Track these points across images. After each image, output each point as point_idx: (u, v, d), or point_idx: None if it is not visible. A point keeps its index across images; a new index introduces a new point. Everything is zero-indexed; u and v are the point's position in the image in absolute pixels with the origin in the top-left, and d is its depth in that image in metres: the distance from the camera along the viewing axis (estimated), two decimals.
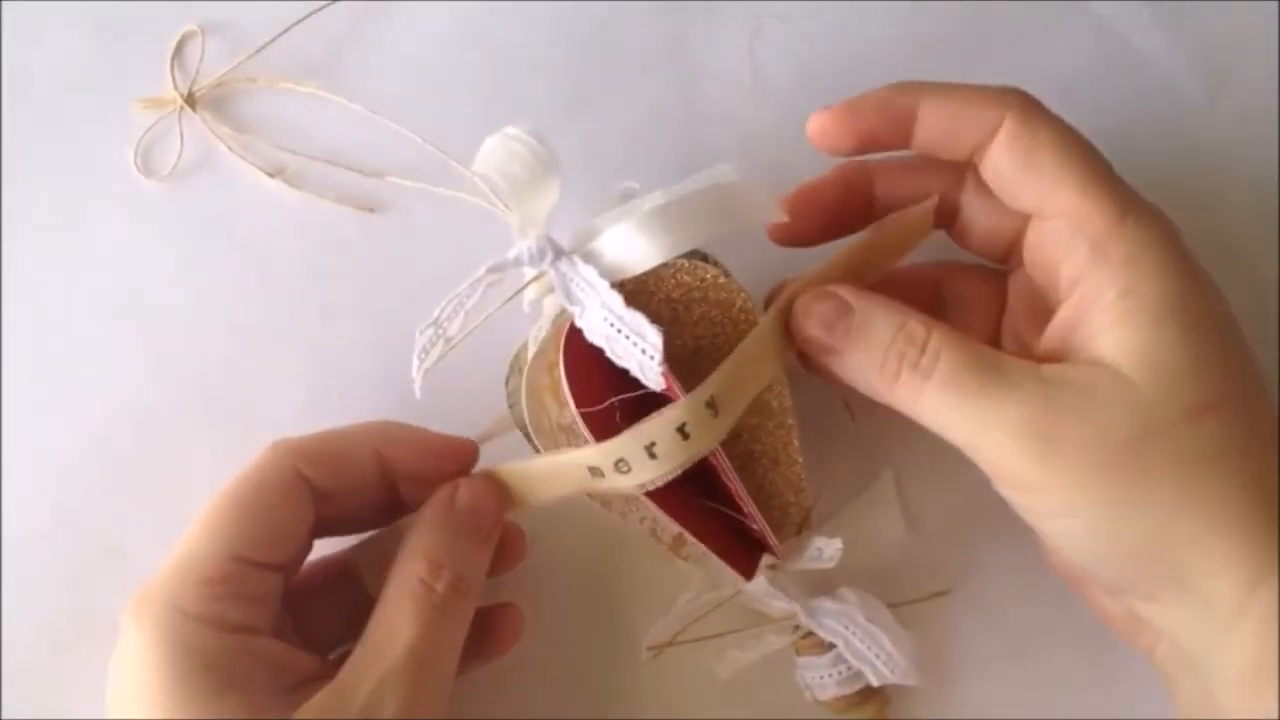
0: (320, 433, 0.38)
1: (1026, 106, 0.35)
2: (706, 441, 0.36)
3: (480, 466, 0.39)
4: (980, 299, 0.41)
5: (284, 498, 0.36)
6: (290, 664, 0.34)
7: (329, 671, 0.34)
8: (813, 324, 0.36)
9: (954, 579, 0.45)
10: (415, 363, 0.38)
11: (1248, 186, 0.48)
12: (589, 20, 0.48)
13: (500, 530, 0.38)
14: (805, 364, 0.39)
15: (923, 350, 0.34)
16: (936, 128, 0.36)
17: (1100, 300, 0.34)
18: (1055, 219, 0.35)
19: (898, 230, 0.39)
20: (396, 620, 0.34)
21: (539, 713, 0.43)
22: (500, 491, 0.38)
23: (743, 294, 0.40)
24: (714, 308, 0.41)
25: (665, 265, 0.38)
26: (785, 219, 0.39)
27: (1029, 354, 0.36)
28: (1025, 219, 0.37)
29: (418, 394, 0.39)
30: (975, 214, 0.39)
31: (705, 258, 0.41)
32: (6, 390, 0.45)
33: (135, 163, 0.47)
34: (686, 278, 0.40)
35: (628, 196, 0.42)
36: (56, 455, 0.45)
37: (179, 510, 0.44)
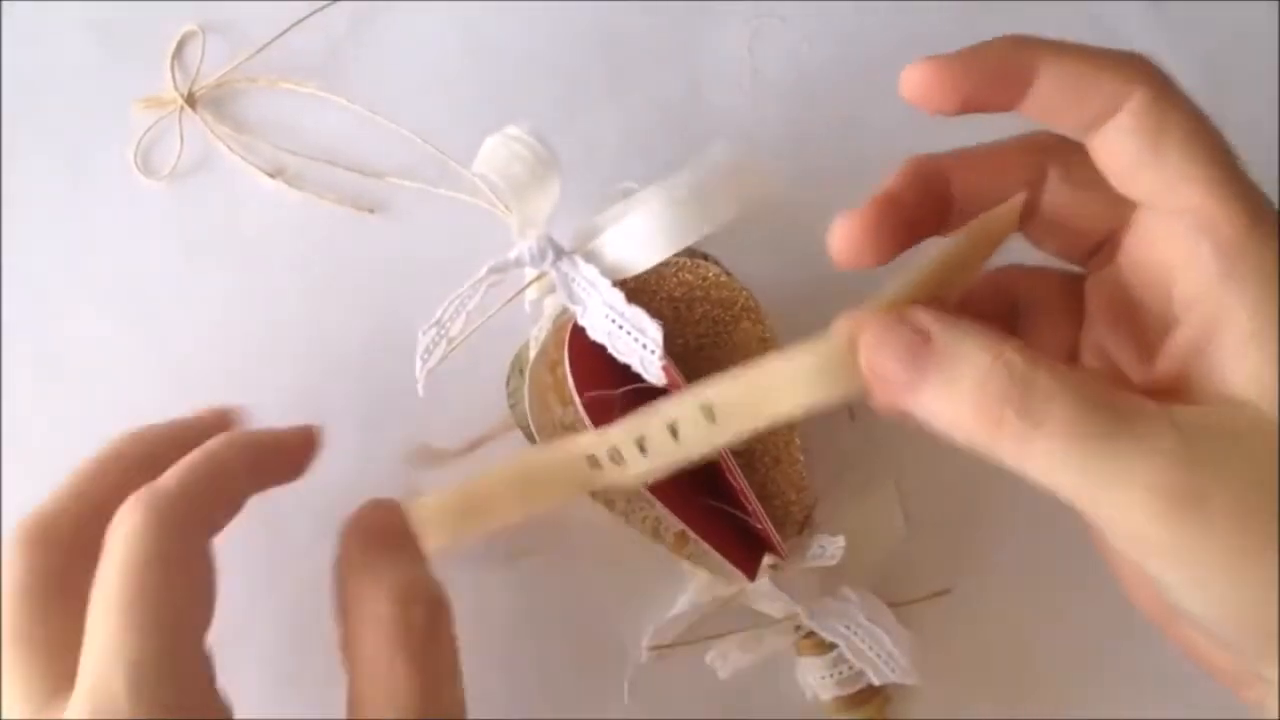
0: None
1: (1159, 82, 0.30)
2: (697, 446, 0.34)
3: (483, 467, 0.37)
4: (1056, 306, 0.36)
5: (199, 555, 0.35)
6: None
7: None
8: (886, 357, 0.30)
9: (954, 579, 0.45)
10: (418, 363, 0.38)
11: None
12: (589, 20, 0.48)
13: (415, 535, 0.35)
14: (878, 404, 0.32)
15: (1028, 389, 0.28)
16: (1056, 95, 0.31)
17: (1231, 323, 0.29)
18: (1173, 215, 0.30)
19: (982, 236, 0.34)
20: (380, 665, 0.31)
21: (539, 713, 0.43)
22: (394, 510, 0.36)
23: (744, 292, 0.40)
24: (716, 306, 0.41)
25: (666, 264, 0.38)
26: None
27: (1114, 369, 0.33)
28: (1122, 213, 0.33)
29: (420, 394, 0.39)
30: (1061, 207, 0.34)
31: (705, 256, 0.41)
32: (6, 390, 0.45)
33: (135, 163, 0.47)
34: (688, 276, 0.40)
35: (628, 196, 0.42)
36: (56, 455, 0.45)
37: None
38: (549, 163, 0.39)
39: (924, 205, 0.34)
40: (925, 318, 0.30)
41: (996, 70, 0.31)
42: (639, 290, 0.40)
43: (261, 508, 0.45)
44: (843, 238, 0.33)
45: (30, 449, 0.45)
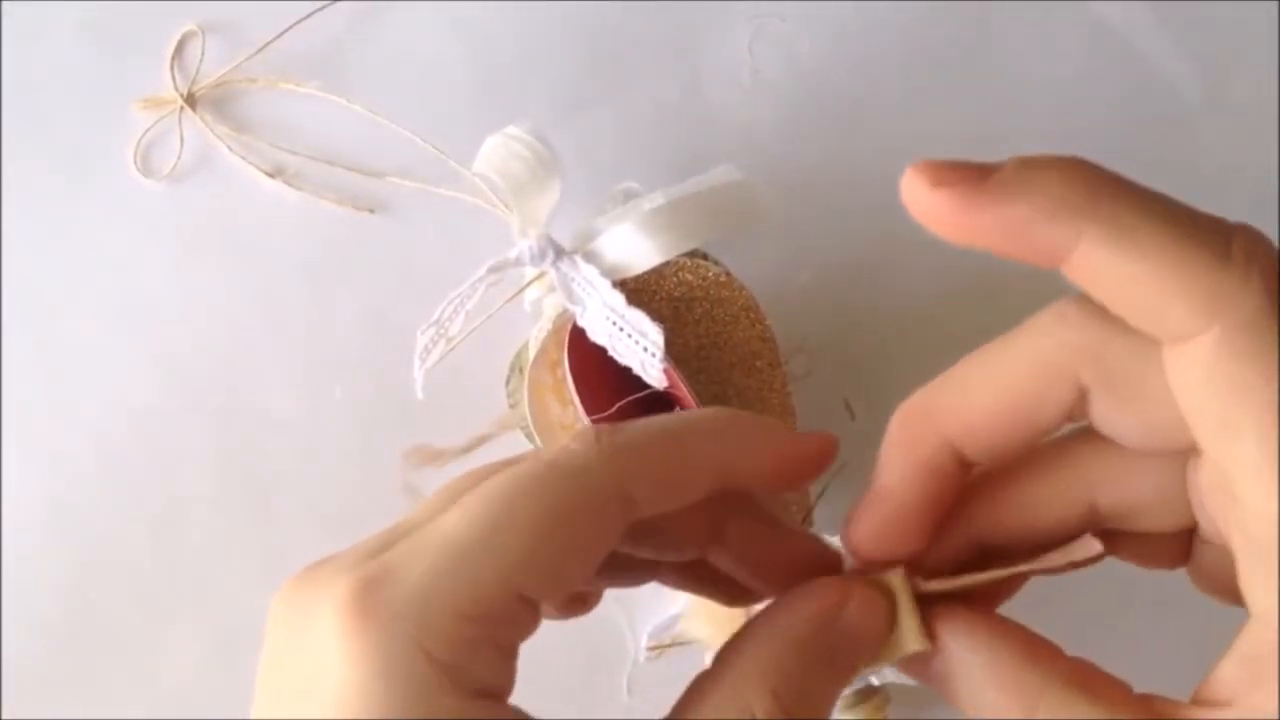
0: (652, 430, 0.25)
1: (1247, 324, 0.21)
2: None
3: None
4: (1153, 497, 0.26)
5: (599, 519, 0.24)
6: None
7: None
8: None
9: None
10: (417, 362, 0.38)
11: (1248, 186, 0.48)
12: (589, 20, 0.48)
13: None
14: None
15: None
16: (1099, 286, 0.22)
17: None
18: (1229, 503, 0.22)
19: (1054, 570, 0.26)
20: None
21: (539, 713, 0.43)
22: (890, 614, 0.26)
23: (745, 292, 0.40)
24: (716, 306, 0.41)
25: (667, 264, 0.38)
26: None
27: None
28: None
29: (419, 394, 0.39)
30: (1120, 422, 0.24)
31: (705, 257, 0.41)
32: (6, 389, 0.45)
33: (135, 163, 0.47)
34: (688, 276, 0.40)
35: (628, 196, 0.42)
36: (56, 455, 0.45)
37: (178, 510, 0.45)
38: (549, 162, 0.39)
39: (937, 487, 0.26)
40: (940, 622, 0.25)
41: (1021, 233, 0.23)
42: (639, 290, 0.40)
43: (261, 507, 0.45)
44: (858, 537, 0.27)
45: (30, 448, 0.45)
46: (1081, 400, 0.24)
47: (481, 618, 0.22)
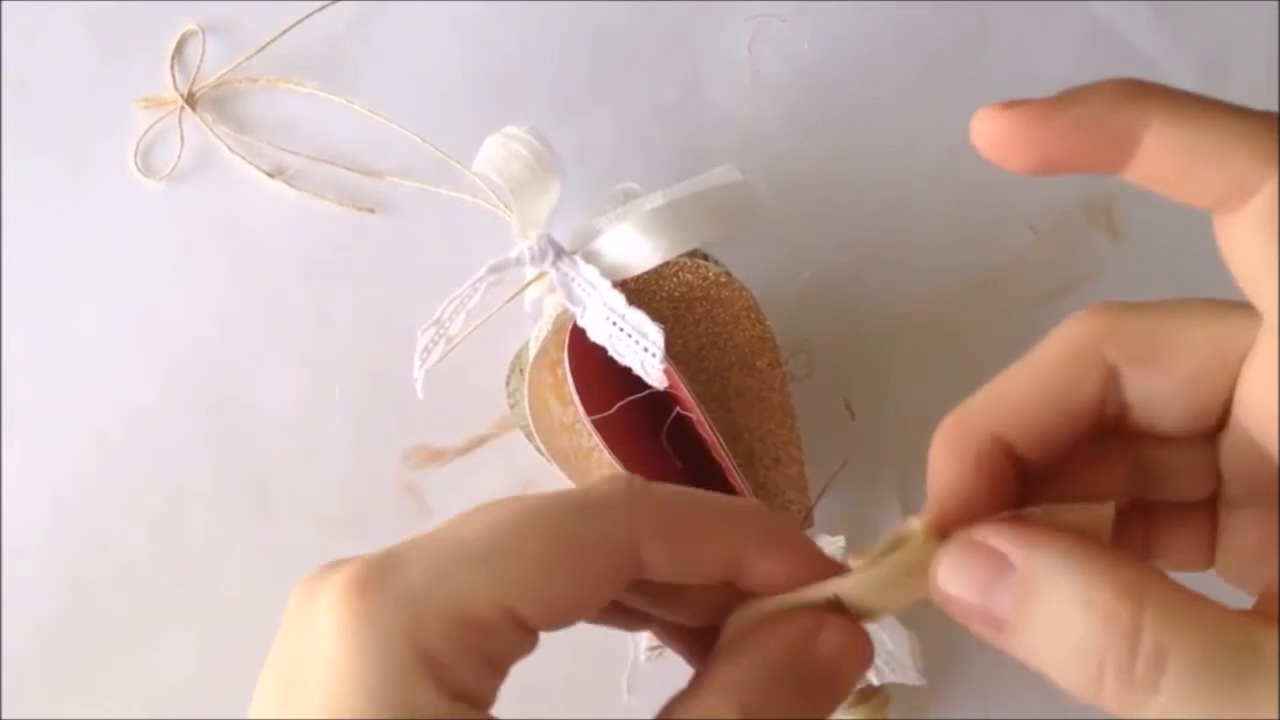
0: (682, 495, 0.26)
1: None
2: None
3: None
4: (1192, 467, 0.28)
5: (604, 561, 0.24)
6: None
7: None
8: (962, 586, 0.24)
9: None
10: (417, 362, 0.38)
11: None
12: (589, 20, 0.48)
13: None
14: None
15: (1134, 645, 0.22)
16: (1168, 166, 0.24)
17: None
18: None
19: (1065, 525, 0.25)
20: None
21: (539, 713, 0.43)
22: (868, 649, 0.26)
23: (745, 292, 0.40)
24: (717, 306, 0.41)
25: (667, 264, 0.38)
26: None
27: (1263, 541, 0.27)
28: (1235, 355, 0.25)
29: (419, 394, 0.39)
30: (1156, 390, 0.26)
31: (705, 257, 0.41)
32: (6, 389, 0.45)
33: (135, 163, 0.47)
34: (689, 276, 0.40)
35: (628, 196, 0.42)
36: (56, 455, 0.45)
37: (178, 509, 0.45)
38: (549, 162, 0.39)
39: (996, 486, 0.26)
40: (1002, 539, 0.24)
41: (1093, 128, 0.24)
42: (639, 291, 0.40)
43: (261, 507, 0.45)
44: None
45: (30, 448, 0.45)
46: (1111, 379, 0.25)
47: (472, 625, 0.23)
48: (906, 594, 0.25)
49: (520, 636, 0.23)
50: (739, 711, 0.24)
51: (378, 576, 0.23)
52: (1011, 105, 0.25)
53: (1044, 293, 0.48)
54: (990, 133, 0.25)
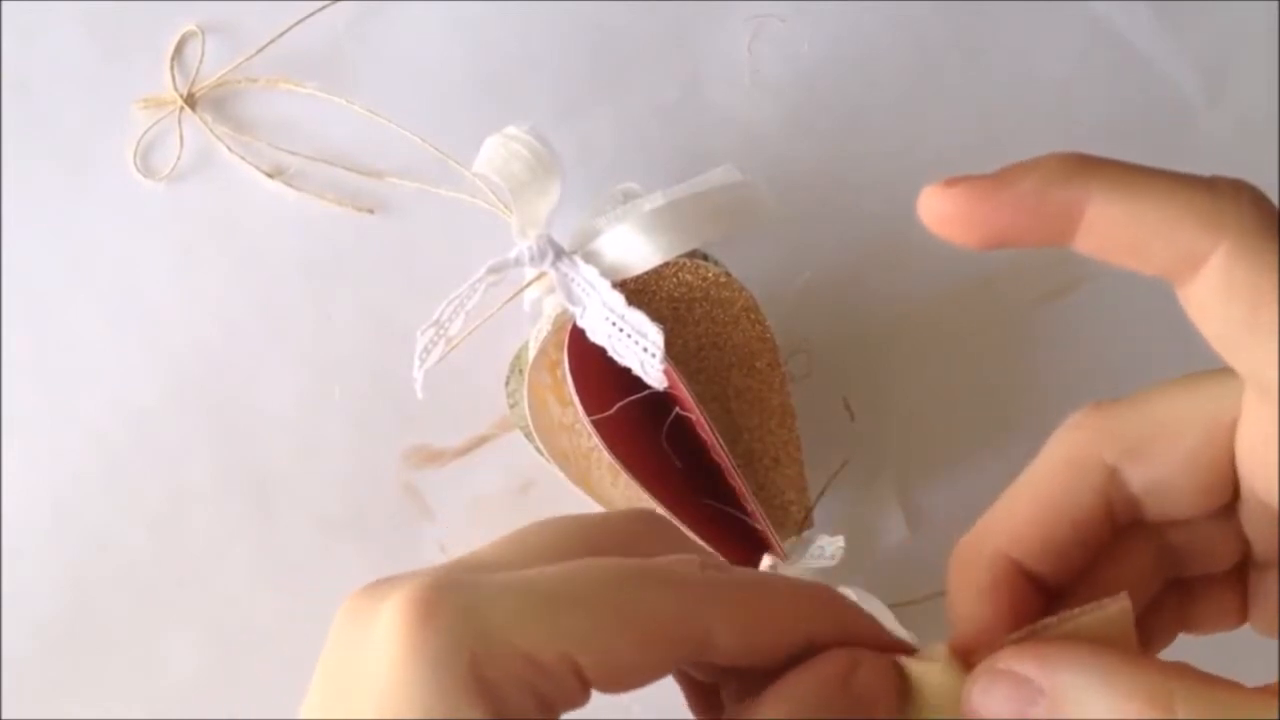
0: (748, 583, 0.26)
1: (1251, 228, 0.23)
2: None
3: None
4: (1215, 541, 0.28)
5: (670, 634, 0.24)
6: None
7: None
8: (997, 712, 0.25)
9: None
10: (416, 363, 0.38)
11: None
12: (589, 20, 0.48)
13: None
14: None
15: None
16: (1110, 238, 0.24)
17: None
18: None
19: (1086, 632, 0.26)
20: None
21: None
22: (902, 685, 0.26)
23: (745, 293, 0.40)
24: (716, 306, 0.41)
25: (667, 264, 0.38)
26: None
27: None
28: (1226, 423, 0.25)
29: (419, 394, 0.39)
30: (1156, 478, 0.26)
31: (705, 257, 0.41)
32: (6, 389, 0.45)
33: (135, 163, 0.47)
34: (688, 276, 0.40)
35: (628, 196, 0.42)
36: (56, 455, 0.45)
37: (178, 509, 0.45)
38: (549, 162, 0.39)
39: (1015, 607, 0.27)
40: (1026, 665, 0.24)
41: (1035, 205, 0.24)
42: (639, 291, 0.40)
43: (261, 507, 0.45)
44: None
45: (30, 448, 0.45)
46: (1113, 481, 0.26)
47: (534, 665, 0.23)
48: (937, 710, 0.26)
49: (577, 688, 0.23)
50: None
51: (447, 599, 0.23)
52: (954, 182, 0.25)
53: (1044, 293, 0.48)
54: (936, 211, 0.25)
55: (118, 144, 0.47)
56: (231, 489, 0.45)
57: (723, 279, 0.40)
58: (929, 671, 0.25)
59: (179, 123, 0.47)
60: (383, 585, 0.24)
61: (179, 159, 0.47)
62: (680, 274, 0.40)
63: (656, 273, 0.39)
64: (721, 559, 0.29)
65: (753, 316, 0.41)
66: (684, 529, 0.40)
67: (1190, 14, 0.49)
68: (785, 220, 0.43)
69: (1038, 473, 0.26)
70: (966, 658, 0.26)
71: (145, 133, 0.47)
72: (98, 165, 0.46)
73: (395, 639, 0.23)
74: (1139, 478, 0.26)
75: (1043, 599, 0.26)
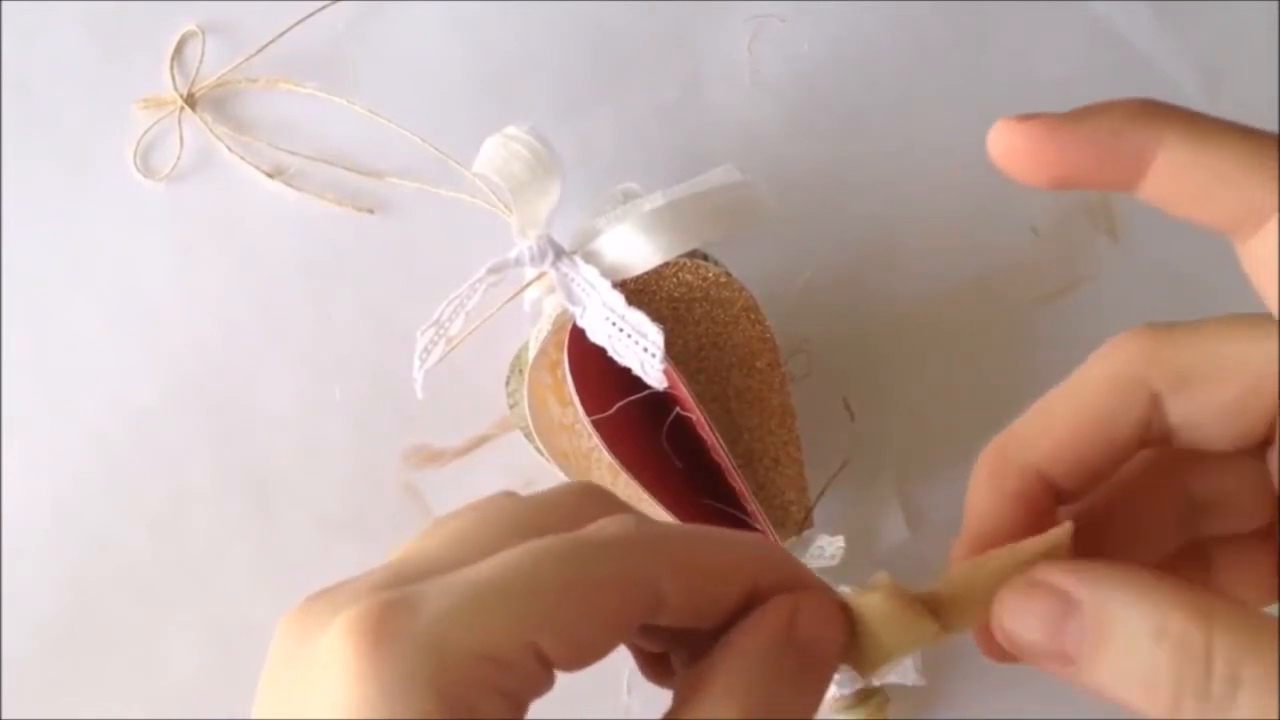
0: (688, 537, 0.26)
1: None
2: None
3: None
4: (1243, 491, 0.28)
5: (622, 598, 0.24)
6: None
7: None
8: (1029, 627, 0.25)
9: None
10: (416, 363, 0.38)
11: None
12: (589, 20, 0.48)
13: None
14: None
15: (1208, 667, 0.23)
16: (1180, 186, 0.24)
17: None
18: None
19: (1029, 558, 0.26)
20: None
21: (537, 712, 0.43)
22: (845, 621, 0.26)
23: (744, 293, 0.40)
24: (716, 306, 0.41)
25: (667, 264, 0.38)
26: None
27: None
28: (1273, 395, 0.25)
29: (419, 394, 0.39)
30: (1199, 413, 0.26)
31: (705, 257, 0.41)
32: (6, 389, 0.45)
33: (135, 163, 0.47)
34: (688, 277, 0.40)
35: (628, 196, 0.42)
36: (56, 455, 0.45)
37: (178, 509, 0.45)
38: (549, 162, 0.39)
39: (1030, 518, 0.27)
40: (1065, 578, 0.24)
41: (1106, 145, 0.25)
42: (639, 291, 0.40)
43: (261, 507, 0.45)
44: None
45: (30, 448, 0.45)
46: (1155, 407, 0.25)
47: (496, 664, 0.22)
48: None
49: (542, 674, 0.23)
50: (740, 713, 0.24)
51: (393, 619, 0.22)
52: (1026, 119, 0.25)
53: (1044, 294, 0.48)
54: (1005, 145, 0.25)
55: (118, 144, 0.47)
56: (231, 489, 0.45)
57: (723, 279, 0.40)
58: (871, 602, 0.25)
59: (179, 123, 0.47)
60: (320, 603, 0.24)
61: (179, 159, 0.47)
62: (680, 274, 0.40)
63: (656, 273, 0.39)
64: (657, 519, 0.28)
65: (753, 316, 0.41)
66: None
67: (1190, 14, 0.49)
68: (785, 220, 0.43)
69: (1081, 387, 0.26)
70: (976, 553, 0.26)
71: (145, 133, 0.47)
72: (98, 165, 0.46)
73: (348, 667, 0.22)
74: (1181, 409, 0.25)
75: (1054, 509, 0.27)
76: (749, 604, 0.25)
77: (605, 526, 0.24)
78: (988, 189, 0.47)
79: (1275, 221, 0.23)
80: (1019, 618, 0.25)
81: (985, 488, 0.27)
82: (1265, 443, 0.26)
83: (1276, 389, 0.25)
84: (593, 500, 0.26)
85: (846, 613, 0.26)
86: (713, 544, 0.25)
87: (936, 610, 0.26)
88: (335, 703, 0.22)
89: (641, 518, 0.25)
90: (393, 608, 0.22)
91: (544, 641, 0.23)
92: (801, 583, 0.26)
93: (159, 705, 0.44)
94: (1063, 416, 0.26)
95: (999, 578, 0.25)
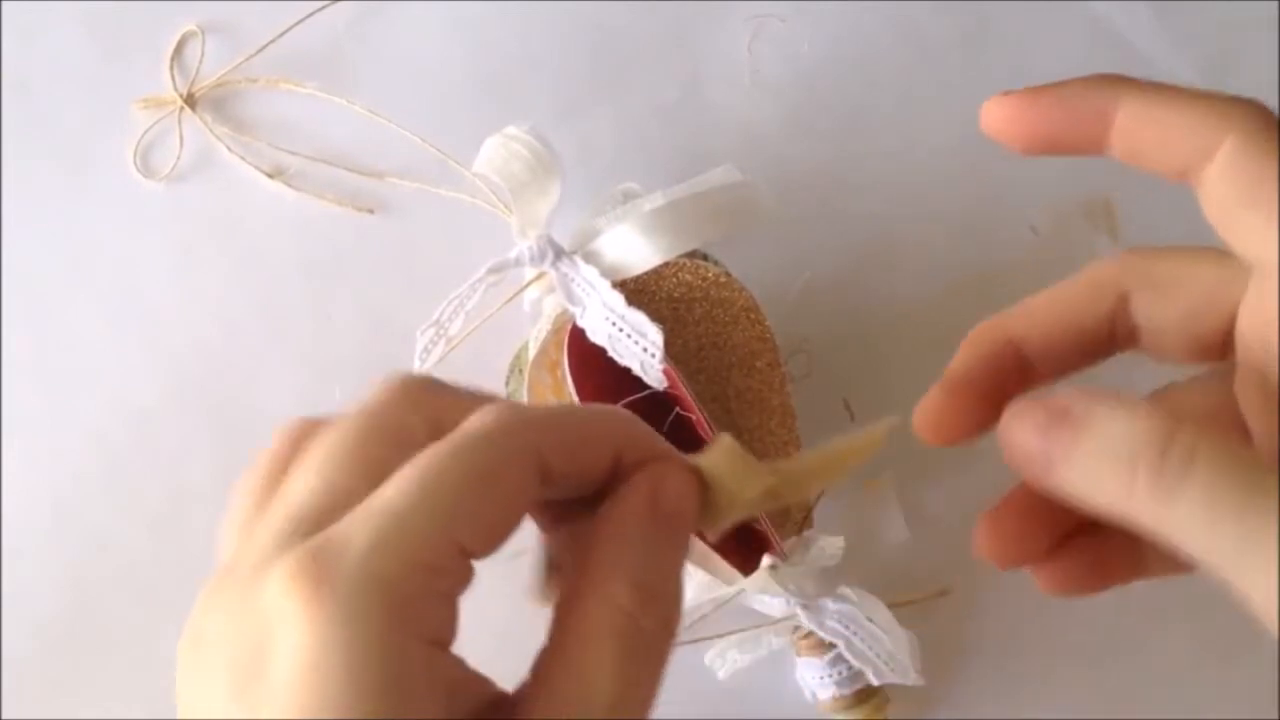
0: (556, 413, 0.28)
1: (1255, 126, 0.28)
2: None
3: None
4: (1214, 413, 0.31)
5: (519, 477, 0.26)
6: (463, 690, 0.26)
7: (497, 701, 0.27)
8: (1025, 431, 0.28)
9: (954, 579, 0.45)
10: (416, 363, 0.38)
11: None
12: (589, 21, 0.48)
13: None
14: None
15: (1166, 449, 0.26)
16: (1137, 137, 0.29)
17: None
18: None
19: (848, 452, 0.30)
20: (593, 668, 0.26)
21: None
22: (699, 484, 0.29)
23: (744, 293, 0.40)
24: (716, 306, 0.41)
25: (666, 264, 0.38)
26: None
27: None
28: (1233, 296, 0.29)
29: None
30: (1160, 320, 0.30)
31: (705, 257, 0.41)
32: (6, 389, 0.45)
33: (135, 163, 0.47)
34: (688, 276, 0.40)
35: (628, 196, 0.42)
36: (56, 455, 0.45)
37: (178, 509, 0.45)
38: (549, 162, 0.39)
39: (998, 379, 0.31)
40: (1068, 393, 0.27)
41: (1070, 108, 0.29)
42: (639, 291, 0.40)
43: None
44: (922, 420, 0.32)
45: (30, 448, 0.45)
46: (1123, 306, 0.30)
47: (430, 569, 0.24)
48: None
49: (467, 568, 0.25)
50: (632, 590, 0.26)
51: (326, 561, 0.23)
52: (1009, 91, 0.30)
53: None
54: (994, 114, 0.30)
55: (118, 144, 0.47)
56: (231, 489, 0.45)
57: (723, 279, 0.40)
58: (718, 460, 0.28)
59: (179, 123, 0.47)
60: (240, 563, 0.26)
61: (179, 159, 0.47)
62: (680, 274, 0.40)
63: (656, 273, 0.39)
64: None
65: (753, 316, 0.41)
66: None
67: (1190, 14, 0.49)
68: (785, 220, 0.43)
69: (1063, 285, 0.31)
70: (946, 396, 0.31)
71: (145, 133, 0.47)
72: (98, 165, 0.46)
73: (300, 616, 0.23)
74: (1143, 310, 0.30)
75: (1021, 382, 0.31)
76: (616, 471, 0.28)
77: (483, 418, 0.26)
78: (987, 189, 0.47)
79: (1220, 153, 0.27)
80: (1018, 419, 0.28)
81: (966, 346, 0.31)
82: (1220, 358, 0.30)
83: (1229, 306, 0.29)
84: (426, 389, 0.28)
85: (698, 474, 0.28)
86: (577, 416, 0.28)
87: (775, 480, 0.29)
88: (297, 653, 0.23)
89: (503, 402, 0.27)
90: (323, 551, 0.24)
91: (464, 537, 0.25)
92: (656, 450, 0.29)
93: (159, 705, 0.44)
94: (1042, 300, 0.31)
95: (825, 459, 0.29)
